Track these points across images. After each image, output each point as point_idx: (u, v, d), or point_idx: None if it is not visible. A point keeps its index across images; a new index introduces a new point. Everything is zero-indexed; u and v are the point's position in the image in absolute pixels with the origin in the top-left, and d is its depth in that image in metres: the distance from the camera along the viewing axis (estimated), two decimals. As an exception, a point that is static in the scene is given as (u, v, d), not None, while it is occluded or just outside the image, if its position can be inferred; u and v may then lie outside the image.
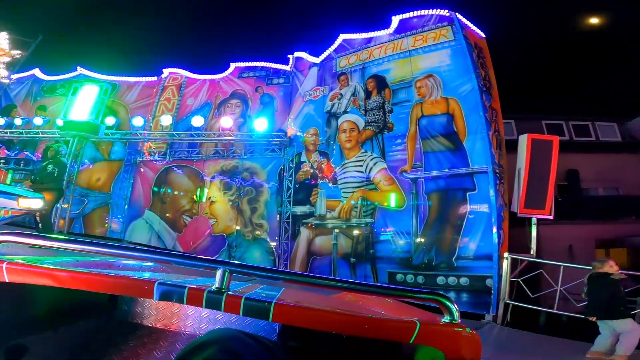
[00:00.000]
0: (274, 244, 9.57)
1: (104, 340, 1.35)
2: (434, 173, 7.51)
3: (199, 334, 1.33)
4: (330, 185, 9.02)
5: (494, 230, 6.40)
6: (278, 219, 9.63)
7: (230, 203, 10.05)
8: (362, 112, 9.15)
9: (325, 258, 8.81)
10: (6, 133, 9.77)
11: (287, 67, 11.04)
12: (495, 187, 6.64)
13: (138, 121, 9.98)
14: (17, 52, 11.36)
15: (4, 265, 0.83)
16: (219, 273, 0.85)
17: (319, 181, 9.26)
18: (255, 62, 11.39)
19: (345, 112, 9.44)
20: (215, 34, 14.63)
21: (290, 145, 9.95)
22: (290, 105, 10.68)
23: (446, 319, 0.86)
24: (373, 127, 8.81)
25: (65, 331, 1.24)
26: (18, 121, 9.84)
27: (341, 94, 9.74)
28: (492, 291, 6.15)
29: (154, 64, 12.84)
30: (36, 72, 11.52)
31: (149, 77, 12.24)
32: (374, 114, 8.94)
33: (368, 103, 9.14)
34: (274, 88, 11.08)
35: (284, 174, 9.79)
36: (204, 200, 9.99)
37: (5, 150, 10.32)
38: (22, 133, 9.79)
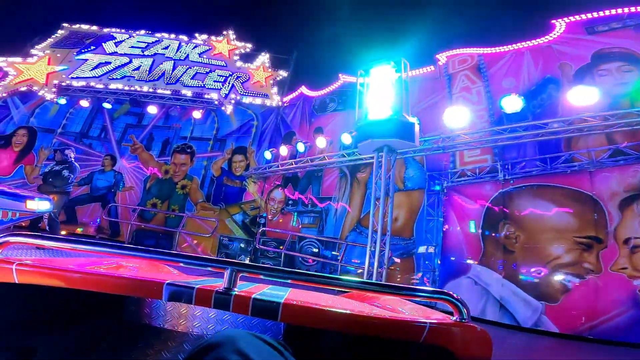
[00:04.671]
0: None
1: (112, 341, 1.31)
2: None
3: (207, 335, 1.31)
4: None
5: None
6: None
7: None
8: None
9: None
10: (291, 164, 8.09)
11: None
12: None
13: (452, 117, 6.06)
14: (280, 72, 10.50)
15: (14, 266, 0.84)
16: (226, 273, 0.85)
17: None
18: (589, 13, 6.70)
19: None
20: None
21: None
22: None
23: (456, 318, 0.85)
24: None
25: (74, 332, 1.22)
26: (301, 146, 8.01)
27: None
28: None
29: (420, 49, 9.37)
30: (303, 90, 10.16)
31: (423, 68, 8.79)
32: None
33: None
34: None
35: None
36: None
37: (293, 189, 8.78)
38: (307, 162, 7.81)
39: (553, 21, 7.07)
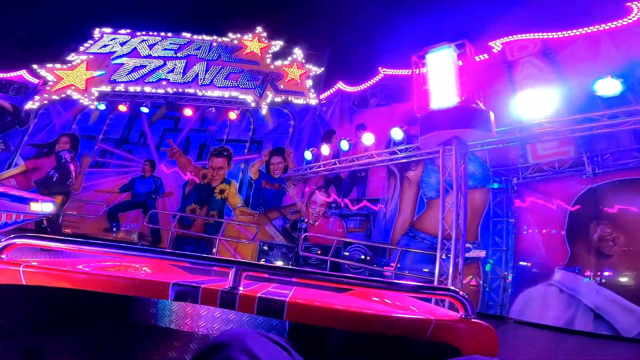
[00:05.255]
0: None
1: (117, 341, 1.32)
2: None
3: (212, 334, 1.32)
4: None
5: None
6: None
7: None
8: None
9: None
10: (334, 164, 7.52)
11: None
12: None
13: (526, 106, 5.27)
14: (315, 68, 10.04)
15: (21, 268, 0.84)
16: (231, 273, 0.85)
17: None
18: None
19: None
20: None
21: None
22: None
23: (461, 314, 0.85)
24: None
25: (80, 332, 1.24)
26: (344, 145, 7.44)
27: None
28: None
29: (468, 37, 8.66)
30: (340, 85, 9.63)
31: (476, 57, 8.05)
32: None
33: None
34: None
35: None
36: None
37: (335, 191, 8.22)
38: (352, 161, 7.22)
39: (628, 4, 6.52)
